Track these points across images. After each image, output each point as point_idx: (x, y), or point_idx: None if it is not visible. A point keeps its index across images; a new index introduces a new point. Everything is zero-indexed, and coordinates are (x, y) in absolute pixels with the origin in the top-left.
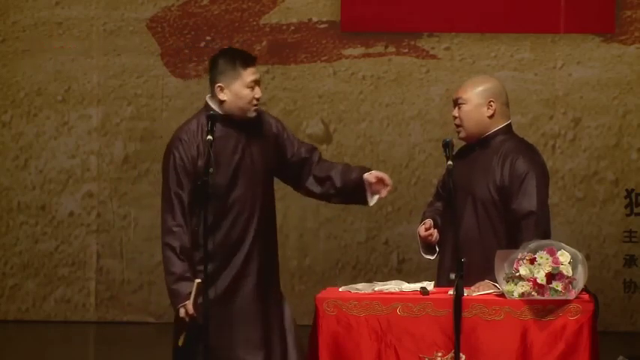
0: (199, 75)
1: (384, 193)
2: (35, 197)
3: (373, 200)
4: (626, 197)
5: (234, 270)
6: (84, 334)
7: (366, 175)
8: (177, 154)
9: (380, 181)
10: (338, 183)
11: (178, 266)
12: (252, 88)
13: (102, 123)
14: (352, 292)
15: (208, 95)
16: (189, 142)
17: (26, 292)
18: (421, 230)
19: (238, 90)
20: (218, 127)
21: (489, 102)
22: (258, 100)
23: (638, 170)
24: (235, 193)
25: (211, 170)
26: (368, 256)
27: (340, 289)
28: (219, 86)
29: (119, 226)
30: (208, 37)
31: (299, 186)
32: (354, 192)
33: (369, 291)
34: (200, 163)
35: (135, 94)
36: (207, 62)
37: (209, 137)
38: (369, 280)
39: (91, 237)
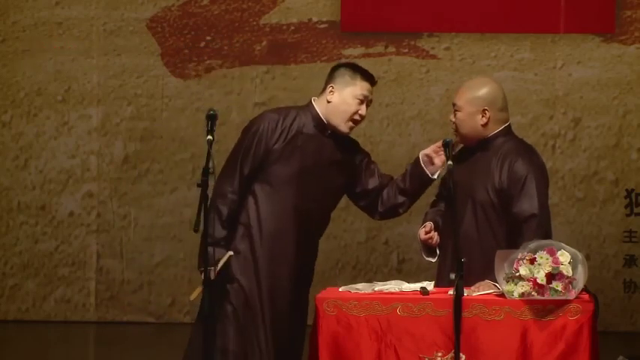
0: (199, 75)
1: (439, 160)
2: (35, 197)
3: (436, 173)
4: (626, 197)
5: (270, 260)
6: (84, 334)
7: (420, 154)
8: (262, 127)
9: (435, 152)
10: (401, 184)
11: (219, 231)
12: (361, 102)
13: (102, 123)
14: (352, 292)
15: (314, 97)
16: (276, 122)
17: (26, 292)
18: (421, 233)
19: (347, 96)
20: (310, 125)
21: (483, 110)
22: (360, 117)
23: (638, 170)
24: (287, 190)
25: (211, 170)
26: (368, 256)
27: (340, 289)
28: (331, 86)
29: (119, 226)
30: (208, 37)
31: (374, 213)
32: (416, 180)
33: (369, 291)
34: (276, 146)
35: (135, 94)
36: (207, 62)
37: (209, 137)
38: (369, 280)
39: (91, 237)
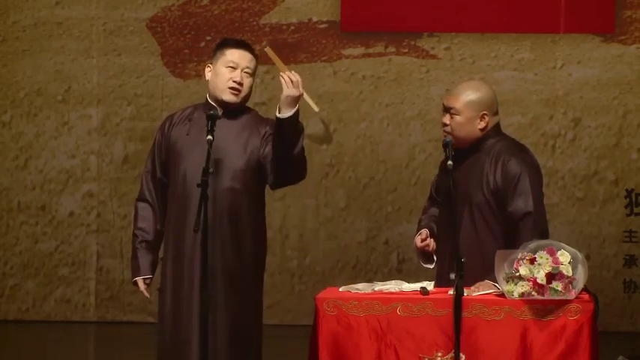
0: (199, 75)
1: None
2: (35, 197)
3: (288, 112)
4: (626, 197)
5: (181, 258)
6: (84, 334)
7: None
8: (157, 138)
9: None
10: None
11: (142, 257)
12: (232, 69)
13: (102, 123)
14: (352, 292)
15: None
16: (168, 123)
17: (26, 292)
18: (417, 241)
19: (219, 68)
20: (200, 111)
21: (482, 115)
22: (236, 83)
23: (638, 170)
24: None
25: (211, 170)
26: (368, 256)
27: (340, 289)
28: (208, 66)
29: (119, 226)
30: (208, 37)
31: (269, 181)
32: (279, 130)
33: (369, 291)
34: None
35: (135, 94)
36: (207, 62)
37: (209, 137)
38: (369, 280)
39: (91, 237)
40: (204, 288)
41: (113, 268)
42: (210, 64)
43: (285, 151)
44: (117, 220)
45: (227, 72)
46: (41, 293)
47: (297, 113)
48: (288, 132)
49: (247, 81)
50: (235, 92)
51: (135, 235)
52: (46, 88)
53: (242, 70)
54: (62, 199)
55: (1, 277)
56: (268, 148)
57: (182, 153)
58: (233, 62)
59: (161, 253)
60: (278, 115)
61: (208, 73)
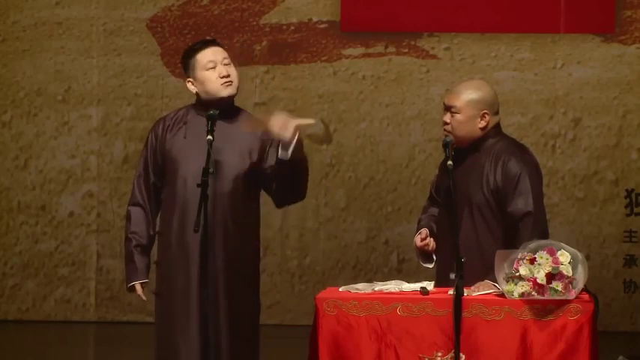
0: None
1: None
2: (35, 197)
3: (288, 150)
4: (626, 197)
5: (181, 260)
6: (84, 334)
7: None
8: (149, 139)
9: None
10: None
11: (139, 261)
12: (213, 68)
13: (102, 123)
14: (352, 292)
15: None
16: (161, 126)
17: (26, 292)
18: (417, 240)
19: (201, 75)
20: (193, 113)
21: (483, 114)
22: (225, 76)
23: (638, 170)
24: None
25: (211, 171)
26: (368, 256)
27: (340, 289)
28: (188, 81)
29: (119, 226)
30: (208, 37)
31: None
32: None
33: (369, 291)
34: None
35: (135, 94)
36: (185, 78)
37: (209, 137)
38: (369, 280)
39: (91, 237)
40: (205, 288)
41: (113, 268)
42: (188, 77)
43: (292, 187)
44: (117, 220)
45: (211, 73)
46: (41, 293)
47: (297, 148)
48: (291, 169)
49: (232, 70)
50: (229, 83)
51: (129, 239)
52: (46, 88)
53: (222, 64)
54: (62, 199)
55: (1, 277)
56: (269, 162)
57: (180, 156)
58: (211, 61)
59: (153, 257)
60: (278, 156)
61: (192, 87)
